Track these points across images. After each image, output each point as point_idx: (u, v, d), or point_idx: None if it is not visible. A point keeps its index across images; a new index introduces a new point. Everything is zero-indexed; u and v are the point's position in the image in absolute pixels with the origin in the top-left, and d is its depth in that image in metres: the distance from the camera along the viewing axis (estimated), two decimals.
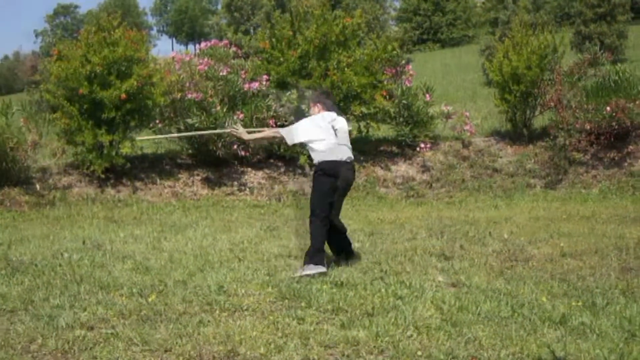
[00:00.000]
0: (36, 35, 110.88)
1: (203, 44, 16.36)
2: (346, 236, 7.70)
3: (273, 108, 15.01)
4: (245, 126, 14.65)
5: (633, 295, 6.18)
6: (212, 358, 4.71)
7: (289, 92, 15.19)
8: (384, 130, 16.49)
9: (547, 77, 15.55)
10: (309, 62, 15.56)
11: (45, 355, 4.85)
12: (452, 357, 4.65)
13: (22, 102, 14.73)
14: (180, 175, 14.94)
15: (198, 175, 15.01)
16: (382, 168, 15.47)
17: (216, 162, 15.07)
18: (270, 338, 5.03)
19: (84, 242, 8.95)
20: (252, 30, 48.35)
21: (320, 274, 6.84)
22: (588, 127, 14.75)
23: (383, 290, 6.23)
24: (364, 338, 4.98)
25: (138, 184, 14.44)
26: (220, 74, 15.05)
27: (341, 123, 7.44)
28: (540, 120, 16.18)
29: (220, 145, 14.60)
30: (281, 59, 15.77)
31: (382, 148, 16.07)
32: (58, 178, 14.04)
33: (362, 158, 15.18)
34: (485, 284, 6.57)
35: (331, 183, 7.16)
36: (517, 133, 16.09)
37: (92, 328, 5.32)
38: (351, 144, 7.56)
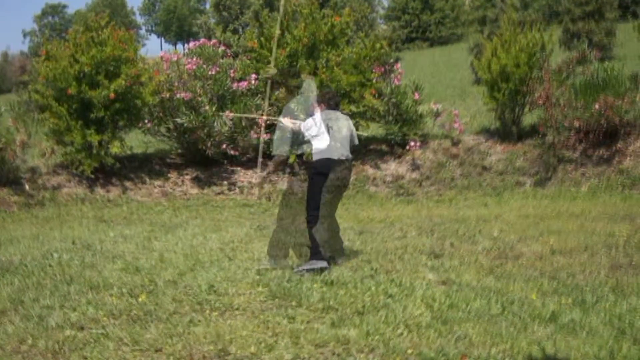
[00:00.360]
0: (24, 36, 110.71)
1: (192, 44, 16.29)
2: (339, 235, 7.74)
3: (262, 107, 14.96)
4: (235, 125, 14.72)
5: (622, 292, 6.21)
6: (203, 357, 4.71)
7: (277, 92, 15.15)
8: (373, 129, 16.50)
9: (536, 75, 15.52)
10: (298, 60, 15.54)
11: (36, 355, 4.83)
12: (443, 354, 4.67)
13: (10, 103, 14.62)
14: (170, 175, 14.91)
15: (188, 174, 14.99)
16: (371, 167, 15.47)
17: (206, 162, 15.06)
18: (260, 337, 5.03)
19: (73, 242, 8.91)
20: (240, 30, 48.19)
21: (322, 269, 6.90)
22: (577, 125, 14.75)
23: (373, 288, 6.24)
24: (355, 336, 4.99)
25: (128, 183, 14.39)
26: (209, 73, 15.03)
27: (340, 123, 7.50)
28: (529, 118, 16.19)
29: (209, 144, 14.58)
30: (269, 58, 15.72)
31: (371, 146, 16.06)
32: (47, 178, 13.96)
33: (351, 157, 15.12)
34: (475, 282, 6.59)
35: (322, 181, 7.22)
36: (506, 131, 16.08)
37: (82, 328, 5.31)
38: None
